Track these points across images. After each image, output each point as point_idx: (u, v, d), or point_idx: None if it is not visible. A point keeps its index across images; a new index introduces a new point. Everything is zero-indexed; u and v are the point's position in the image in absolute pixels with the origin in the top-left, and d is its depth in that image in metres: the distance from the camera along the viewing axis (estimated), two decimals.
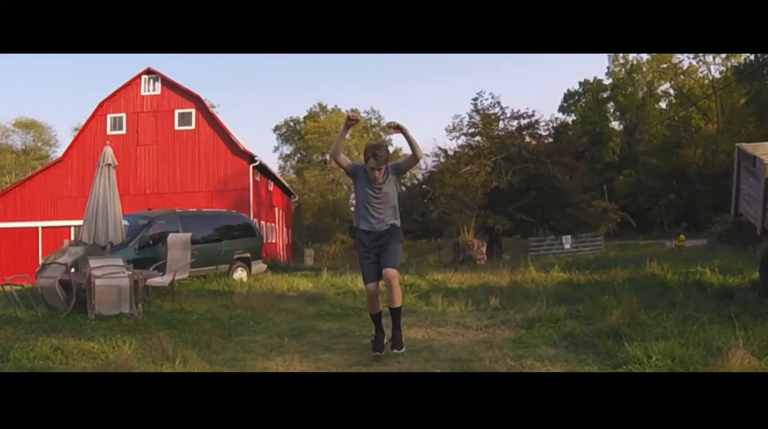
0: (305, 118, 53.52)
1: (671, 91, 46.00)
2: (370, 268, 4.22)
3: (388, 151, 4.31)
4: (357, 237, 4.39)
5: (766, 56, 26.73)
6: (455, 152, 20.37)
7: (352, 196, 53.48)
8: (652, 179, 41.59)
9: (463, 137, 21.14)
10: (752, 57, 33.70)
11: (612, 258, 14.48)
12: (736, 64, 38.33)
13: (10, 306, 6.74)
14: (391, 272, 4.11)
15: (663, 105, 47.32)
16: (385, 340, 4.28)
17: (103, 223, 7.26)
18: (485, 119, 20.49)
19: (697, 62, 41.65)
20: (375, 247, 4.23)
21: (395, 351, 4.13)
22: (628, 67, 46.91)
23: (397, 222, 4.37)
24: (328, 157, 53.02)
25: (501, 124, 20.86)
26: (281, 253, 26.67)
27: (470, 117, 20.90)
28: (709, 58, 39.97)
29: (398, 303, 4.21)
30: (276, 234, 26.54)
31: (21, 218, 20.64)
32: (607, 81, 49.23)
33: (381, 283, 4.28)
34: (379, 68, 79.51)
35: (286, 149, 55.39)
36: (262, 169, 22.78)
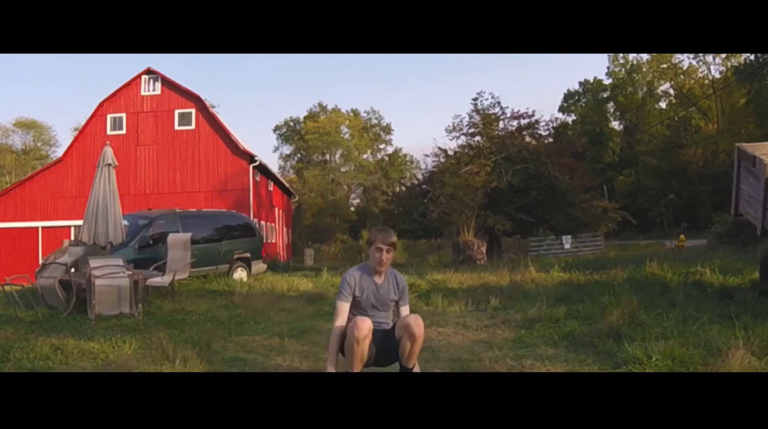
0: (305, 118, 53.53)
1: (671, 91, 46.02)
2: None
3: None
4: None
5: (766, 56, 26.72)
6: (455, 152, 20.36)
7: (353, 195, 53.59)
8: (652, 179, 41.58)
9: (463, 137, 21.15)
10: (752, 57, 33.70)
11: (612, 258, 14.49)
12: (736, 64, 38.32)
13: (10, 306, 6.74)
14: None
15: (663, 105, 47.32)
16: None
17: (103, 223, 7.26)
18: (485, 119, 20.48)
19: (697, 62, 41.70)
20: None
21: None
22: (628, 67, 46.92)
23: None
24: (328, 156, 53.14)
25: (501, 124, 20.86)
26: (281, 253, 26.66)
27: (470, 117, 20.91)
28: (709, 58, 40.00)
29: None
30: (276, 234, 26.53)
31: (21, 218, 20.63)
32: (607, 81, 49.27)
33: None
34: (379, 68, 79.61)
35: (286, 149, 55.45)
36: (262, 169, 22.78)
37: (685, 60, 41.84)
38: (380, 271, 3.39)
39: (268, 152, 70.91)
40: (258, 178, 22.24)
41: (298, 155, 54.59)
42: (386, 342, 3.32)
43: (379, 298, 3.39)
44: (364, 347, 3.16)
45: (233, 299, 7.66)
